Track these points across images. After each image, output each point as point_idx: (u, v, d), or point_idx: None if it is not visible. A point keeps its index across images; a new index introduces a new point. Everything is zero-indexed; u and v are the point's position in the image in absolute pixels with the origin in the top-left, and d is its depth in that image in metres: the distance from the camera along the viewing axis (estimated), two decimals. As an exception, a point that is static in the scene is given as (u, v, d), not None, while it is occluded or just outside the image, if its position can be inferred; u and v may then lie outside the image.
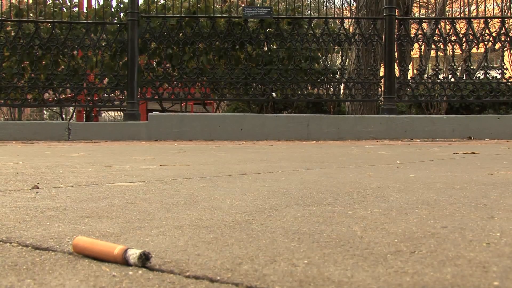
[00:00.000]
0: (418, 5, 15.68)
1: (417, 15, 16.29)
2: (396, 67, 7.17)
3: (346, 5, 14.85)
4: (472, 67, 7.02)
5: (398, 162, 1.97)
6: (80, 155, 2.77)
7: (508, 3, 12.56)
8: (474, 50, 7.35)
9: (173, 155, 2.69)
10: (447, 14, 14.25)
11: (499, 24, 7.36)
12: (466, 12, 13.14)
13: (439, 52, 7.06)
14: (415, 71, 7.26)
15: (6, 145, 4.79)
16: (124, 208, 1.12)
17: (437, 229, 0.90)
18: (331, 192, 1.40)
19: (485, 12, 13.03)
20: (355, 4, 12.19)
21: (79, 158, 2.49)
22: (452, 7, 14.65)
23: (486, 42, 6.88)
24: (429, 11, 15.91)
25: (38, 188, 1.48)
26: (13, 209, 1.09)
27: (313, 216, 1.02)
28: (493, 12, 11.88)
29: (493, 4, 9.91)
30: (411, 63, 9.62)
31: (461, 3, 8.91)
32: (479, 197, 1.30)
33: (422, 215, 1.04)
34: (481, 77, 7.03)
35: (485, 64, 6.88)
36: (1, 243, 0.80)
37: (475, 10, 16.19)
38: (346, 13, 13.51)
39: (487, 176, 1.76)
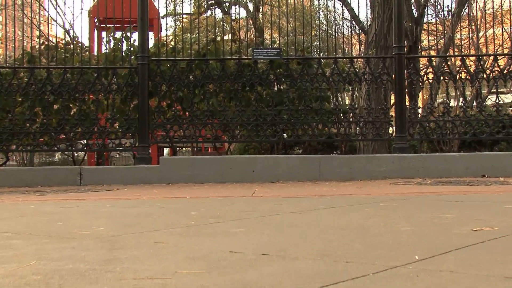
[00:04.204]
0: (427, 33, 15.71)
1: (425, 42, 16.36)
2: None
3: (354, 33, 14.90)
4: (484, 104, 6.97)
5: (417, 257, 1.92)
6: (94, 233, 2.68)
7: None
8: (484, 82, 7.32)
9: (187, 229, 2.65)
10: (456, 40, 14.22)
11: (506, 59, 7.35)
12: (474, 38, 13.02)
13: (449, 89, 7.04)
14: (426, 108, 7.21)
15: (18, 199, 4.79)
16: None
17: None
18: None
19: (493, 39, 13.01)
20: (363, 34, 12.23)
21: (92, 242, 2.41)
22: (460, 33, 14.67)
23: (497, 79, 6.86)
24: (438, 39, 15.92)
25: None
26: None
27: None
28: (502, 38, 11.83)
29: (502, 29, 9.88)
30: (422, 96, 9.59)
31: (469, 30, 8.88)
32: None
33: None
34: (493, 114, 6.98)
35: (497, 101, 6.84)
36: None
37: (483, 36, 16.15)
38: (355, 42, 13.55)
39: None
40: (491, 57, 7.65)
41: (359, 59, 10.62)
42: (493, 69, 6.88)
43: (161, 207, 3.80)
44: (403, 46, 6.95)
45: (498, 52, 7.87)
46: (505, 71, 7.08)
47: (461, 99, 7.29)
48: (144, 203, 4.06)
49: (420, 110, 8.39)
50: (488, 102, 16.38)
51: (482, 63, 7.05)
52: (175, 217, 3.23)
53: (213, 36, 7.50)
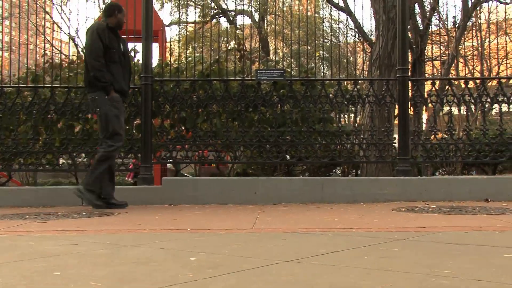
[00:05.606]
0: (431, 42, 15.66)
1: (429, 53, 16.30)
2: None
3: (359, 42, 14.89)
4: (487, 129, 6.94)
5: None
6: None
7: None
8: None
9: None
10: (460, 50, 14.19)
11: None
12: (480, 49, 13.04)
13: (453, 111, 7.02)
14: (429, 130, 7.19)
15: (19, 228, 4.80)
16: None
17: None
18: None
19: (497, 50, 12.97)
20: (367, 45, 12.21)
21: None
22: (464, 45, 14.63)
23: (500, 104, 6.83)
24: (442, 49, 15.87)
25: None
26: None
27: None
28: (506, 47, 11.85)
29: (505, 38, 9.85)
30: (426, 118, 9.58)
31: (474, 42, 8.85)
32: None
33: None
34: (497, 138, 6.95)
35: (500, 125, 6.80)
36: None
37: (488, 47, 16.09)
38: (359, 51, 13.53)
39: None
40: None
41: (362, 72, 10.61)
42: (497, 93, 6.84)
43: (160, 247, 3.80)
44: (407, 69, 6.92)
45: (503, 68, 7.82)
46: (510, 93, 7.04)
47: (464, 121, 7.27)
48: (144, 240, 4.07)
49: (423, 125, 8.36)
50: (493, 112, 16.34)
51: (485, 85, 7.02)
52: (174, 267, 3.22)
53: (217, 57, 7.49)
